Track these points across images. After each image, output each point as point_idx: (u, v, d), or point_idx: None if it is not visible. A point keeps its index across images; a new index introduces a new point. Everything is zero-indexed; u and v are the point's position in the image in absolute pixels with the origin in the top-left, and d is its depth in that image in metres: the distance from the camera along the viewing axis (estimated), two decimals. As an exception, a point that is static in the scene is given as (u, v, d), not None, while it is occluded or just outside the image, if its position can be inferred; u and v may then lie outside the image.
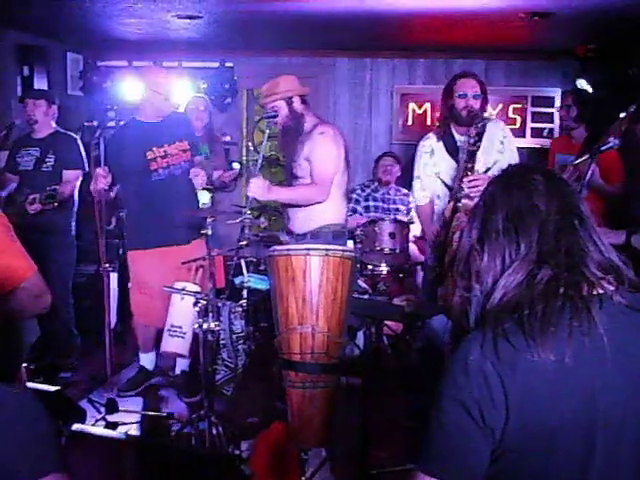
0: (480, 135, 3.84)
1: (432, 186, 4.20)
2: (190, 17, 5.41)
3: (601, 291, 1.38)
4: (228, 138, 6.73)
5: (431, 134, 4.27)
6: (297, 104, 4.07)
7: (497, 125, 4.13)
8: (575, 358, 1.30)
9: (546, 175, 1.50)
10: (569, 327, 1.32)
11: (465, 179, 3.72)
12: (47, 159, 4.93)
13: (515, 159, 4.00)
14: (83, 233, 5.87)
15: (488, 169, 3.90)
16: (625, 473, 1.36)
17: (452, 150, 4.06)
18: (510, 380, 1.30)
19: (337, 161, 3.99)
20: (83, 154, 5.07)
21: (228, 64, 6.83)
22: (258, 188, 3.88)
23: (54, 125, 5.12)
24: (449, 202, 3.95)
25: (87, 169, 5.06)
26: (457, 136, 4.08)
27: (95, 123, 6.12)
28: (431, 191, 4.23)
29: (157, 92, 4.52)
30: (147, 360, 4.84)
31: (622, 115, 3.75)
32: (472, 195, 3.67)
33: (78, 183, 5.02)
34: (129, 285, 4.89)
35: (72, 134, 5.23)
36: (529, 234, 1.41)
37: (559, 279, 1.37)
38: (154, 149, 4.52)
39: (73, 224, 5.09)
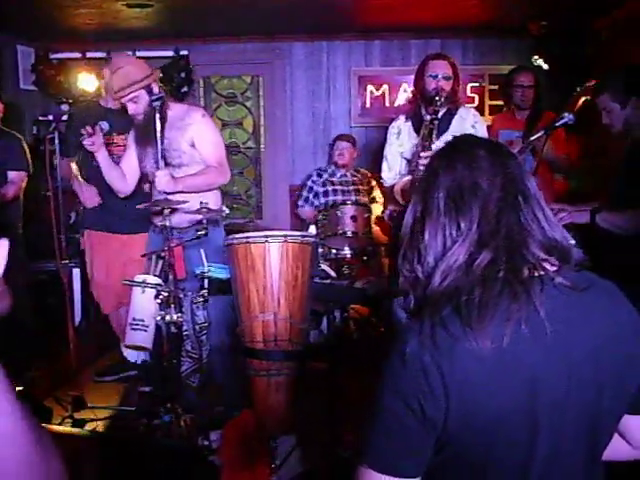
0: (437, 112, 3.86)
1: (397, 166, 4.19)
2: (140, 6, 5.34)
3: (542, 273, 1.35)
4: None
5: (401, 115, 4.26)
6: (156, 89, 3.94)
7: (469, 111, 4.12)
8: (513, 344, 1.27)
9: (490, 148, 1.45)
10: (507, 312, 1.28)
11: (422, 154, 3.73)
12: None
13: None
14: (42, 230, 5.81)
15: None
16: (572, 453, 1.35)
17: (418, 130, 4.02)
18: (449, 370, 1.26)
19: (221, 138, 4.16)
20: (27, 155, 5.03)
21: (183, 52, 6.75)
22: (165, 181, 3.88)
23: None
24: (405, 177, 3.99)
25: (31, 170, 5.10)
26: (426, 116, 4.03)
27: (50, 117, 6.06)
28: (395, 171, 4.21)
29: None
30: (130, 352, 4.75)
31: (578, 89, 3.78)
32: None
33: (23, 184, 4.99)
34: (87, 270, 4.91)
35: (16, 134, 5.17)
36: (470, 214, 1.37)
37: (498, 263, 1.33)
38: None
39: (20, 222, 5.05)
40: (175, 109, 4.10)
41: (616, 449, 1.51)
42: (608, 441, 1.41)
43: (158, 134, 3.79)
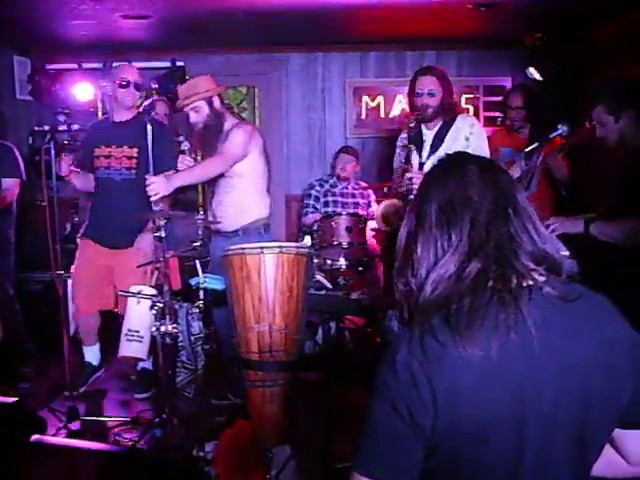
0: (410, 134, 3.94)
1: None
2: (137, 17, 5.36)
3: (531, 282, 1.37)
4: (182, 138, 6.68)
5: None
6: (217, 103, 4.27)
7: (465, 120, 4.09)
8: (501, 352, 1.29)
9: (481, 164, 1.48)
10: (495, 321, 1.30)
11: (407, 174, 3.77)
12: None
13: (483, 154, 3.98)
14: (38, 240, 5.81)
15: None
16: (560, 464, 1.35)
17: (417, 143, 4.03)
18: (437, 377, 1.29)
19: (246, 146, 4.16)
20: (20, 163, 5.05)
21: (179, 63, 6.77)
22: (158, 185, 3.93)
23: None
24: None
25: (24, 177, 5.13)
26: (424, 131, 4.07)
27: (46, 128, 6.07)
28: None
29: (117, 85, 4.56)
30: (91, 354, 4.80)
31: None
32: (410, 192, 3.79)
33: (17, 191, 5.00)
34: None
35: (8, 143, 5.24)
36: (460, 226, 1.39)
37: (488, 272, 1.35)
38: (102, 146, 4.57)
39: (12, 231, 5.06)
40: (229, 121, 4.32)
41: (613, 465, 1.52)
42: (598, 454, 1.42)
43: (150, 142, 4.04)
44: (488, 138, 4.18)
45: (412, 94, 4.02)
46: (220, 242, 4.19)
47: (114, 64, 6.68)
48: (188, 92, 4.22)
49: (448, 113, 4.00)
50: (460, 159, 1.53)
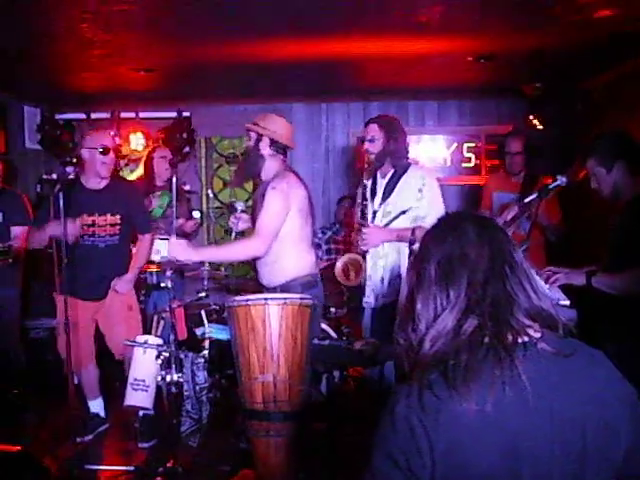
0: (364, 190, 4.11)
1: None
2: (144, 70, 5.49)
3: (526, 339, 1.40)
4: (188, 187, 6.78)
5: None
6: (264, 144, 3.99)
7: (416, 172, 4.08)
8: (497, 407, 1.32)
9: (478, 222, 1.53)
10: (491, 376, 1.34)
11: (364, 230, 3.98)
12: None
13: (437, 208, 3.89)
14: (44, 287, 5.86)
15: (403, 212, 3.98)
16: None
17: (373, 192, 4.17)
18: (434, 430, 1.32)
19: (281, 216, 3.89)
20: (29, 210, 5.11)
21: (185, 114, 6.90)
22: (178, 250, 3.80)
23: None
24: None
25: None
26: (379, 179, 4.16)
27: (54, 176, 6.17)
28: None
29: (96, 152, 4.56)
30: (97, 406, 4.88)
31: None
32: (365, 249, 4.00)
33: (25, 238, 5.06)
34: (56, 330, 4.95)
35: (17, 191, 5.30)
36: (458, 283, 1.44)
37: (484, 329, 1.40)
38: (84, 216, 4.57)
39: (18, 277, 5.10)
40: (269, 169, 4.04)
41: None
42: None
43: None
44: (485, 183, 4.20)
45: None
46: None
47: (120, 114, 6.86)
48: (255, 120, 4.06)
49: (396, 161, 4.05)
50: (458, 217, 1.59)
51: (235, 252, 4.08)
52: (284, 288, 3.88)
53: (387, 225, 4.04)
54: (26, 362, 5.25)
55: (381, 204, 4.08)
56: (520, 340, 1.40)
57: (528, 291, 1.45)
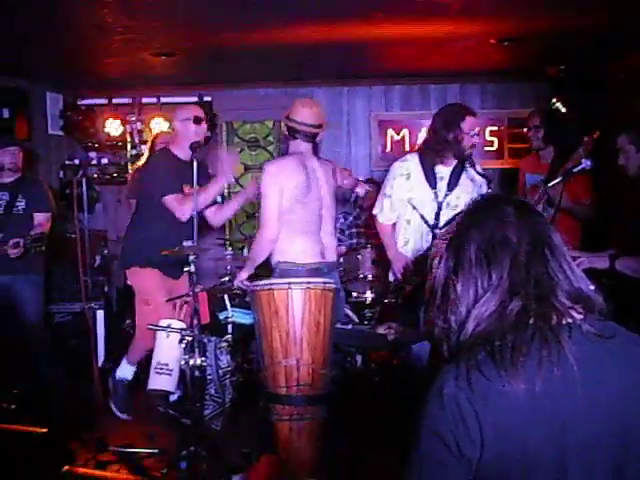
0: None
1: (401, 209, 4.13)
2: (165, 54, 5.49)
3: (570, 320, 1.41)
4: (210, 171, 6.77)
5: (409, 157, 4.17)
6: (283, 128, 4.26)
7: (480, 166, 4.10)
8: (545, 387, 1.33)
9: (517, 205, 1.53)
10: (539, 357, 1.35)
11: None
12: (17, 203, 5.00)
13: None
14: (68, 272, 5.92)
15: None
16: None
17: (431, 179, 4.00)
18: (483, 411, 1.33)
19: (272, 197, 3.97)
20: (51, 197, 5.15)
21: (206, 98, 6.89)
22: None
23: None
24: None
25: (55, 212, 5.18)
26: (439, 167, 4.01)
27: (77, 162, 6.21)
28: (397, 214, 4.16)
29: (189, 123, 4.56)
30: (128, 371, 4.85)
31: (586, 139, 3.81)
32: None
33: (49, 224, 5.09)
34: (136, 303, 4.80)
35: (38, 178, 5.33)
36: (500, 265, 1.44)
37: (529, 310, 1.40)
38: (188, 186, 4.51)
39: (42, 263, 5.14)
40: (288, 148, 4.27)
41: None
42: None
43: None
44: (518, 165, 4.10)
45: (457, 130, 3.92)
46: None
47: (142, 100, 6.87)
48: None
49: (458, 152, 3.98)
50: (496, 199, 1.59)
51: (255, 252, 4.07)
52: (274, 270, 3.95)
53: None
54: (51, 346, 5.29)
55: (446, 196, 3.97)
56: (564, 321, 1.41)
57: (568, 273, 1.46)
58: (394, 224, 4.20)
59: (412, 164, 4.08)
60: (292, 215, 3.99)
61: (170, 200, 4.42)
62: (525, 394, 1.33)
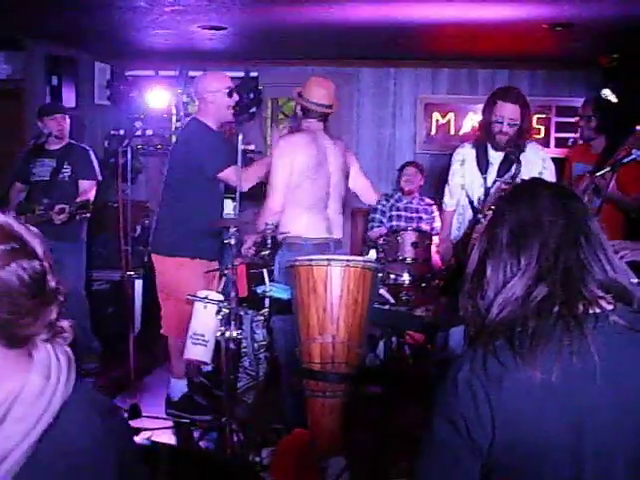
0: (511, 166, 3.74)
1: (458, 195, 4.13)
2: (214, 28, 5.49)
3: (598, 310, 1.37)
4: (253, 147, 6.78)
5: (467, 143, 4.17)
6: (298, 107, 4.30)
7: (537, 152, 3.96)
8: (563, 376, 1.30)
9: (555, 190, 1.50)
10: (559, 345, 1.32)
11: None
12: (64, 170, 5.08)
13: None
14: (108, 240, 6.00)
15: None
16: None
17: (482, 165, 3.94)
18: (497, 397, 1.31)
19: (279, 169, 4.03)
20: (96, 165, 5.20)
21: (253, 74, 6.89)
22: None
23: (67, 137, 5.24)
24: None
25: (100, 178, 5.25)
26: (491, 152, 3.93)
27: (122, 132, 6.26)
28: (456, 199, 4.16)
29: (221, 95, 4.42)
30: (181, 386, 4.47)
31: (638, 128, 3.72)
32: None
33: (93, 192, 5.15)
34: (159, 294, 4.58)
35: (85, 146, 5.39)
36: (530, 249, 1.41)
37: (554, 297, 1.37)
38: None
39: (85, 231, 5.19)
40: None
41: None
42: None
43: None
44: (567, 154, 4.02)
45: (490, 115, 3.83)
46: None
47: (189, 73, 6.89)
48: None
49: (517, 145, 3.82)
50: (534, 184, 1.56)
51: (258, 223, 4.03)
52: (281, 244, 4.00)
53: None
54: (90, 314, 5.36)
55: (495, 181, 3.84)
56: (591, 311, 1.37)
57: (603, 262, 1.41)
58: (454, 211, 4.21)
59: (467, 149, 4.09)
60: (300, 190, 4.03)
61: (229, 172, 4.21)
62: (541, 383, 1.30)
